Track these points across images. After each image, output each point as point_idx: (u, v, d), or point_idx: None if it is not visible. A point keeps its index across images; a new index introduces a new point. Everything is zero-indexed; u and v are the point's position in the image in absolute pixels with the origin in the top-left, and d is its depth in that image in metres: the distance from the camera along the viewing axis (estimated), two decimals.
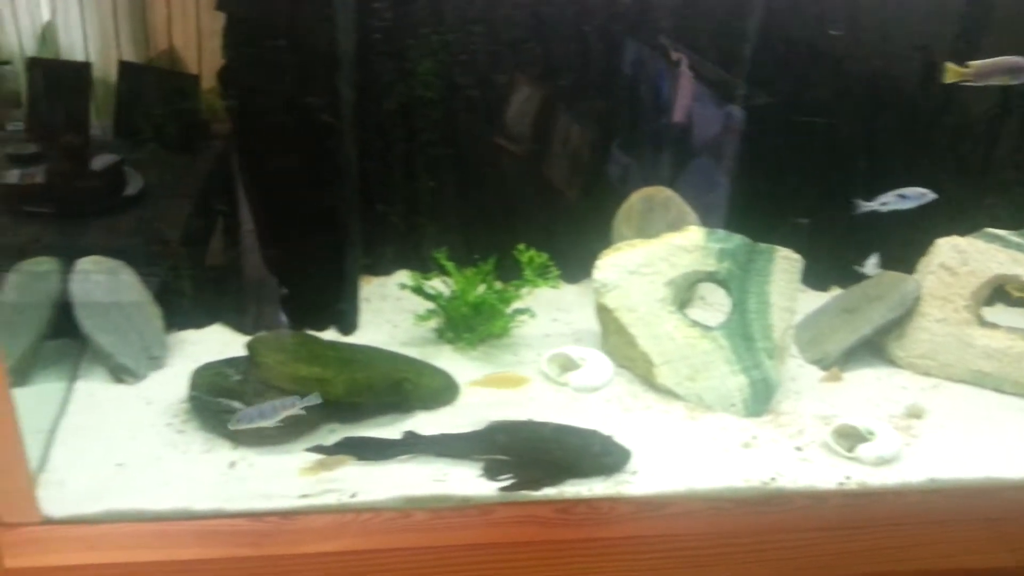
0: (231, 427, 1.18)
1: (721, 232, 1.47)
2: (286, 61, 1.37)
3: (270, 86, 1.38)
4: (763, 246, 1.45)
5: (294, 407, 1.17)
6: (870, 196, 1.56)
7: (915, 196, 1.57)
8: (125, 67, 1.52)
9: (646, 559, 1.16)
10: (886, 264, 1.69)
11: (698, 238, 1.48)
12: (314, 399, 1.18)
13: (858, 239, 1.73)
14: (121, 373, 1.37)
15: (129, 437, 1.25)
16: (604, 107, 1.69)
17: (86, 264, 1.41)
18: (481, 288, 1.52)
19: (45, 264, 1.40)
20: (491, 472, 1.20)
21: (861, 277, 1.71)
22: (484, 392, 1.42)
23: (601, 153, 1.75)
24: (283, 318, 1.49)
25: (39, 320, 1.36)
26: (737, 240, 1.46)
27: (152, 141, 1.51)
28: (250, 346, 1.29)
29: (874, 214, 1.57)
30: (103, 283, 1.39)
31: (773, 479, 1.24)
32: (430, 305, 1.55)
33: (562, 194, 1.76)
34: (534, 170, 1.73)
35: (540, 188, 1.74)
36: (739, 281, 1.46)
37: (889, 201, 1.57)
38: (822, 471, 1.26)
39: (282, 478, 1.18)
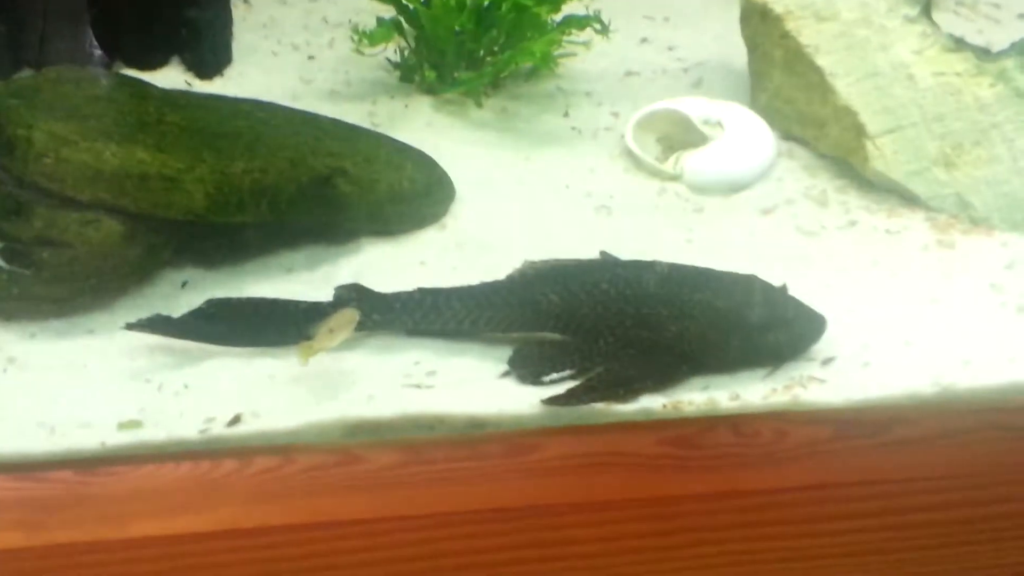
0: None
1: None
2: None
3: None
4: None
5: None
6: None
7: None
8: None
9: (854, 536, 0.69)
10: None
11: None
12: None
13: None
14: None
15: None
16: None
17: None
18: None
19: None
20: (526, 367, 0.74)
21: None
22: None
23: None
24: (90, 48, 0.97)
25: None
26: None
27: None
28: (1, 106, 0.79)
29: None
30: None
31: None
32: (382, 9, 0.98)
33: None
34: None
35: None
36: None
37: None
38: None
39: (82, 389, 0.72)
